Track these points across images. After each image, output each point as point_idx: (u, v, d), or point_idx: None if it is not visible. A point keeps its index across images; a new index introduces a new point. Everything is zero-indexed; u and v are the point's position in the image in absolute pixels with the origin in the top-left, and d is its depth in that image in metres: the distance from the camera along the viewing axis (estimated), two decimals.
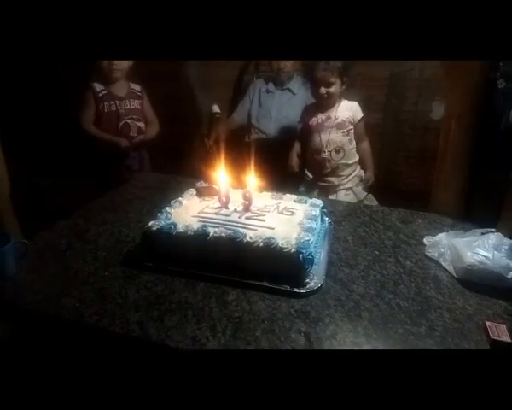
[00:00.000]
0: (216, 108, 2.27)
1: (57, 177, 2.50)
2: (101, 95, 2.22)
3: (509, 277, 1.01)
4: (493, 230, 1.14)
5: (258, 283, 1.01)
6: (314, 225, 1.11)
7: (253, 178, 1.22)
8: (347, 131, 1.90)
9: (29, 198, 2.07)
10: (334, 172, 1.93)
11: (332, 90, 1.83)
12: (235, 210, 1.18)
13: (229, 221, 1.12)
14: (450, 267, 1.10)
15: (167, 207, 1.20)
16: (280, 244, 1.00)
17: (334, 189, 1.96)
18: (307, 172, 2.03)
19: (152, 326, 0.88)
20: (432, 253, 1.17)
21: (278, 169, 1.98)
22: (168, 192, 1.45)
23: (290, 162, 2.05)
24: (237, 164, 1.29)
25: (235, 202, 1.21)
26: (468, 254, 1.05)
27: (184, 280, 1.04)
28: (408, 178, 2.60)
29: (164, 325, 0.89)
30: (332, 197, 1.91)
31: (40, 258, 1.13)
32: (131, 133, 2.26)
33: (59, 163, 2.55)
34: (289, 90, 2.29)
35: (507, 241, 1.07)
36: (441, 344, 0.86)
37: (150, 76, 2.36)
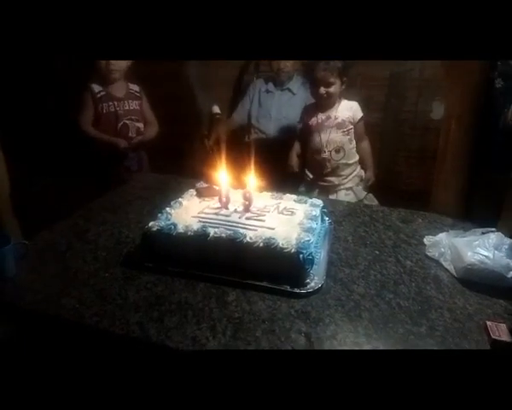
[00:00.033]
0: (216, 109, 2.26)
1: (57, 177, 2.50)
2: (99, 96, 2.22)
3: (509, 276, 1.01)
4: (493, 229, 1.14)
5: (259, 283, 1.01)
6: (314, 226, 1.11)
7: (252, 178, 1.22)
8: (347, 130, 1.90)
9: (29, 198, 2.07)
10: (335, 171, 1.93)
11: (332, 90, 1.83)
12: (236, 210, 1.18)
13: (229, 222, 1.12)
14: (450, 267, 1.10)
15: (167, 208, 1.20)
16: (280, 244, 1.00)
17: (334, 188, 1.96)
18: (307, 172, 2.03)
19: (152, 327, 0.88)
20: (432, 252, 1.17)
21: (278, 169, 1.98)
22: (168, 193, 1.44)
23: (290, 162, 2.05)
24: (237, 164, 1.29)
25: (235, 203, 1.21)
26: (469, 253, 1.05)
27: (184, 281, 1.04)
28: (408, 178, 2.60)
29: (164, 325, 0.89)
30: (332, 197, 1.91)
31: (40, 258, 1.13)
32: (130, 134, 2.26)
33: (59, 163, 2.55)
34: (289, 90, 2.29)
35: (507, 240, 1.07)
36: (442, 344, 0.86)
37: (150, 76, 2.36)
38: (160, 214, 1.16)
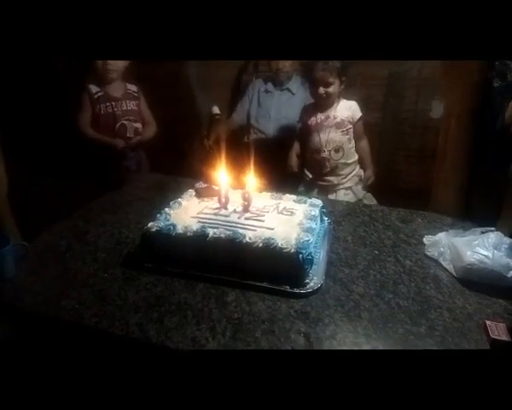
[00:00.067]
0: (216, 110, 2.27)
1: (57, 177, 2.50)
2: (96, 96, 2.21)
3: (508, 276, 1.01)
4: (493, 229, 1.14)
5: (258, 283, 1.01)
6: (314, 226, 1.11)
7: (252, 178, 1.22)
8: (346, 130, 1.90)
9: (29, 198, 2.07)
10: (334, 171, 1.93)
11: (331, 89, 1.83)
12: (235, 211, 1.18)
13: (228, 222, 1.12)
14: (449, 267, 1.10)
15: (166, 209, 1.20)
16: (279, 245, 1.00)
17: (333, 188, 1.96)
18: (307, 171, 2.03)
19: (152, 328, 0.88)
20: (432, 252, 1.17)
21: (278, 169, 1.98)
22: (168, 193, 1.44)
23: (289, 162, 2.05)
24: (236, 164, 1.29)
25: (235, 203, 1.21)
26: (468, 253, 1.05)
27: (184, 281, 1.04)
28: (407, 177, 2.60)
29: (164, 326, 0.89)
30: (331, 197, 1.91)
31: (40, 260, 1.13)
32: (128, 134, 2.26)
33: (58, 163, 2.55)
34: (288, 90, 2.29)
35: (507, 240, 1.07)
36: (441, 344, 0.86)
37: (150, 77, 2.35)
38: (159, 215, 1.15)
